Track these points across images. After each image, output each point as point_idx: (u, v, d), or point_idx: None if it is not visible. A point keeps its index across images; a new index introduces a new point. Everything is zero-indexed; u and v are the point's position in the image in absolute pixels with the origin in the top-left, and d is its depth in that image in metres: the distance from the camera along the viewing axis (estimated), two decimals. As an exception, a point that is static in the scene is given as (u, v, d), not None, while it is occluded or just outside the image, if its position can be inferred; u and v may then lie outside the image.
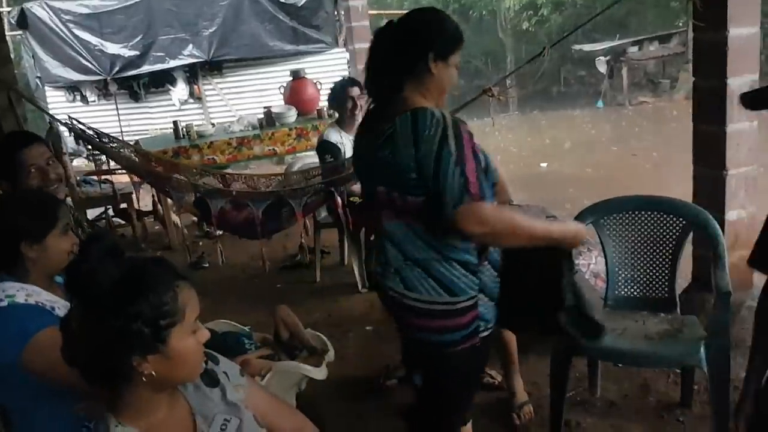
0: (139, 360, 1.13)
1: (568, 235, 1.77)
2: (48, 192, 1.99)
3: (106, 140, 4.02)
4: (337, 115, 4.28)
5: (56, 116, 4.64)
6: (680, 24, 13.96)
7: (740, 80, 2.81)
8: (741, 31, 2.76)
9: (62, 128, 4.98)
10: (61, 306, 1.59)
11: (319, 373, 2.19)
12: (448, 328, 1.72)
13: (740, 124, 2.86)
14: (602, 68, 13.52)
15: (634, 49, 13.51)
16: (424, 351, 1.82)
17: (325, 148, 3.95)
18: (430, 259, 1.69)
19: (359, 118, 3.19)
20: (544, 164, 8.36)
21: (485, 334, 1.78)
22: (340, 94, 4.06)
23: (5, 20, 7.93)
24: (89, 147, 4.55)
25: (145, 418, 1.19)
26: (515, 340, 2.63)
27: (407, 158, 1.61)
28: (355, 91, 3.98)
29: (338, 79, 4.61)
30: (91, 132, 3.98)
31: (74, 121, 3.95)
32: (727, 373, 2.28)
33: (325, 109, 5.61)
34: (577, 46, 14.32)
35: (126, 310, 1.11)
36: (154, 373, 1.14)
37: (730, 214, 2.94)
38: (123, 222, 5.53)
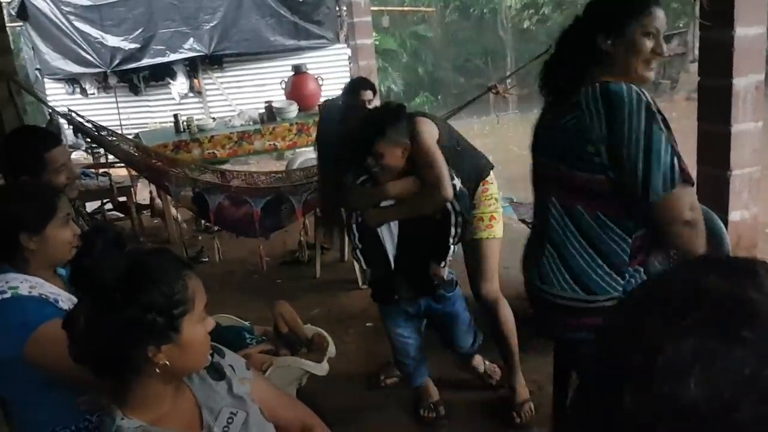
0: (155, 350, 1.12)
1: None
2: (48, 184, 1.99)
3: (105, 133, 4.01)
4: None
5: (56, 108, 4.61)
6: (681, 25, 13.96)
7: (746, 80, 2.80)
8: (747, 31, 2.75)
9: (62, 120, 4.96)
10: (64, 298, 1.58)
11: (320, 369, 2.18)
12: (587, 325, 1.62)
13: (745, 124, 2.85)
14: (603, 68, 13.48)
15: (635, 49, 13.48)
16: (573, 351, 1.75)
17: None
18: (575, 248, 1.59)
19: None
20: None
21: None
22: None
23: (5, 11, 7.88)
24: (88, 140, 4.55)
25: (151, 411, 1.18)
26: (516, 338, 2.62)
27: (594, 130, 1.51)
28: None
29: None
30: (90, 125, 3.96)
31: (74, 114, 3.93)
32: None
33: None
34: (578, 46, 14.27)
35: (139, 300, 1.10)
36: (167, 362, 1.14)
37: (734, 215, 2.93)
38: (121, 216, 5.51)
